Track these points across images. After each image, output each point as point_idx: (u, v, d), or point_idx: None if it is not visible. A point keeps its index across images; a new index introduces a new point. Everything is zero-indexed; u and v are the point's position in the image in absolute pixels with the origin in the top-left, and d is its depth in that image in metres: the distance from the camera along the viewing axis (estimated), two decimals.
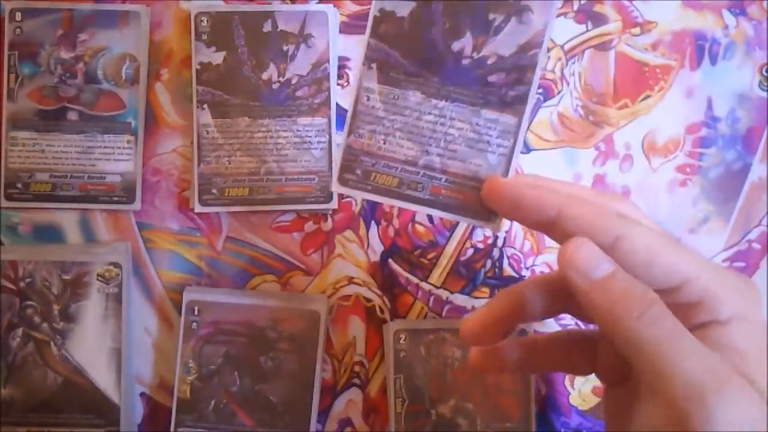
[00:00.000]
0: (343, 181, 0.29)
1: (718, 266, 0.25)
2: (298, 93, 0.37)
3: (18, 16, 0.36)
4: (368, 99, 0.29)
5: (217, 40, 0.36)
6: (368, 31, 0.28)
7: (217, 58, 0.36)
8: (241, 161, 0.36)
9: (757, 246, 0.39)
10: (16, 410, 0.36)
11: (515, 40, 0.28)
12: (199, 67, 0.36)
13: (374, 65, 0.29)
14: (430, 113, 0.29)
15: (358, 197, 0.36)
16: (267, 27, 0.36)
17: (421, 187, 0.29)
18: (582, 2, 0.38)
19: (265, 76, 0.36)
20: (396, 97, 0.29)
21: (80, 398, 0.36)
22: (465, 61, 0.28)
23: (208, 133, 0.36)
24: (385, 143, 0.29)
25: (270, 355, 0.37)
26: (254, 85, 0.36)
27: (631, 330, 0.23)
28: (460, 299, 0.38)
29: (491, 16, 0.28)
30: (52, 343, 0.36)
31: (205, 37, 0.36)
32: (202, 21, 0.36)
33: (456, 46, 0.28)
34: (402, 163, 0.29)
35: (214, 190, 0.36)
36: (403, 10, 0.28)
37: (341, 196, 0.37)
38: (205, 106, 0.36)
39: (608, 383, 0.28)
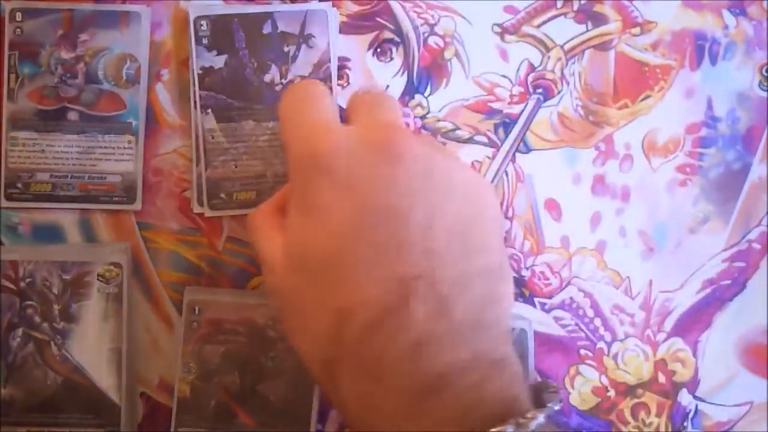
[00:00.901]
0: (213, 207, 0.36)
1: None
2: None
3: (18, 16, 0.36)
4: (213, 137, 0.36)
5: (217, 44, 0.36)
6: (196, 85, 0.36)
7: (219, 62, 0.36)
8: (248, 165, 0.36)
9: (757, 246, 0.39)
10: (16, 410, 0.36)
11: (309, 61, 0.36)
12: (200, 71, 0.36)
13: (209, 110, 0.36)
14: (264, 134, 0.36)
15: (228, 214, 0.37)
16: (267, 28, 0.36)
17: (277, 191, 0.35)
18: (582, 2, 0.38)
19: (267, 78, 0.36)
20: (234, 129, 0.36)
21: (80, 398, 0.36)
22: (277, 87, 0.36)
23: (213, 138, 0.36)
24: (236, 167, 0.36)
25: (270, 355, 0.37)
26: (257, 87, 0.36)
27: None
28: None
29: (286, 48, 0.36)
30: (52, 343, 0.36)
31: (205, 41, 0.36)
32: (201, 25, 0.36)
33: (267, 78, 0.36)
34: (255, 178, 0.36)
35: (222, 195, 0.36)
36: (219, 63, 0.36)
37: None
38: (209, 110, 0.36)
39: None
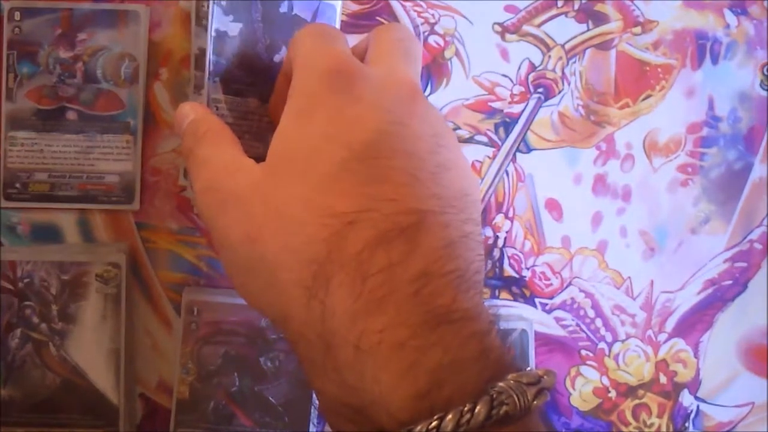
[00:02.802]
0: None
1: None
2: None
3: (17, 15, 0.36)
4: (217, 108, 0.34)
5: (235, 9, 0.35)
6: (210, 48, 0.34)
7: (234, 29, 0.35)
8: (249, 146, 0.35)
9: (758, 246, 0.39)
10: (14, 411, 0.36)
11: None
12: (215, 33, 0.35)
13: (217, 79, 0.34)
14: (267, 116, 0.34)
15: None
16: (283, 8, 0.36)
17: None
18: (583, 1, 0.38)
19: (277, 58, 0.36)
20: (239, 104, 0.34)
21: (79, 399, 0.36)
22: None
23: (218, 109, 0.35)
24: None
25: (270, 356, 0.36)
26: (267, 65, 0.36)
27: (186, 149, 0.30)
28: None
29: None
30: (50, 344, 0.36)
31: (224, 2, 0.35)
32: (203, 6, 0.35)
33: (277, 58, 0.35)
34: (255, 161, 0.33)
35: None
36: (234, 30, 0.35)
37: None
38: (217, 79, 0.35)
39: None
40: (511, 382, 0.22)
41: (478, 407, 0.22)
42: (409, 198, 0.25)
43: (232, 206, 0.27)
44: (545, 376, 0.23)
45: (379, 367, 0.23)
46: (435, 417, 0.22)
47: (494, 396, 0.22)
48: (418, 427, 0.21)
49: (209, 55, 0.35)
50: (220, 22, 0.35)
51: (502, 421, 0.22)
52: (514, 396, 0.22)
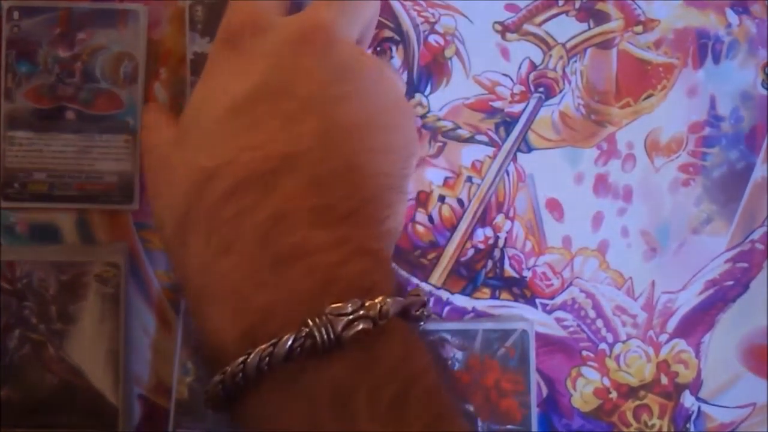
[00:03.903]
0: None
1: None
2: None
3: (16, 14, 0.36)
4: None
5: (211, 30, 0.36)
6: (188, 70, 0.36)
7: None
8: None
9: (760, 246, 0.39)
10: (13, 412, 0.36)
11: None
12: (192, 56, 0.36)
13: None
14: None
15: None
16: None
17: None
18: (583, 0, 0.38)
19: None
20: None
21: (78, 400, 0.36)
22: None
23: None
24: None
25: None
26: None
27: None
28: (460, 300, 0.38)
29: None
30: (49, 345, 0.36)
31: (199, 26, 0.36)
32: (197, 10, 0.36)
33: None
34: None
35: None
36: None
37: None
38: None
39: None
40: (329, 314, 0.22)
41: (282, 340, 0.21)
42: (278, 142, 0.25)
43: (148, 179, 0.30)
44: (387, 300, 0.22)
45: (215, 310, 0.23)
46: (247, 352, 0.22)
47: (306, 329, 0.21)
48: (230, 366, 0.22)
49: (188, 77, 0.36)
50: (197, 44, 0.36)
51: (312, 354, 0.21)
52: (323, 329, 0.21)
